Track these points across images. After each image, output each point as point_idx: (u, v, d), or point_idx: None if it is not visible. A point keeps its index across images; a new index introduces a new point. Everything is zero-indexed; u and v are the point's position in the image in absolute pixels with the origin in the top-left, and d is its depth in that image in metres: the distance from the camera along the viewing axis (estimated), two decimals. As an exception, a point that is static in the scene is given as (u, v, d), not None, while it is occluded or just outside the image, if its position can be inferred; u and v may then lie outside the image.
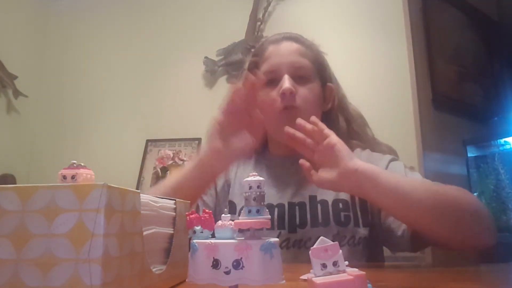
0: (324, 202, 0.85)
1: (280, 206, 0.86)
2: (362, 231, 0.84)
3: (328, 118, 0.95)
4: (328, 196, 0.86)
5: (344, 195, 0.86)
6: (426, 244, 0.81)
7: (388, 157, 0.90)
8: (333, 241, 0.78)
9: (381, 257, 0.90)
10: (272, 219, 0.82)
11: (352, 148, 0.90)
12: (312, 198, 0.86)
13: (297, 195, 0.88)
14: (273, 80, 0.90)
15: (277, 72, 0.90)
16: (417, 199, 0.68)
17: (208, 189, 0.92)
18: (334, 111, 0.97)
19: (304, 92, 0.89)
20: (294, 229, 0.83)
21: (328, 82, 0.97)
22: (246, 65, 1.00)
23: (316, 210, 0.84)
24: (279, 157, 0.96)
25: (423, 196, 0.69)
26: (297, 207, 0.86)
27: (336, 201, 0.85)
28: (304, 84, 0.90)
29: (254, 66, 0.95)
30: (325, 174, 0.74)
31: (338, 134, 0.89)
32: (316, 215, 0.84)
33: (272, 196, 0.88)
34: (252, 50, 1.93)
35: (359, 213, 0.85)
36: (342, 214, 0.84)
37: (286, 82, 0.87)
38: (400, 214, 0.73)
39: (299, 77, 0.89)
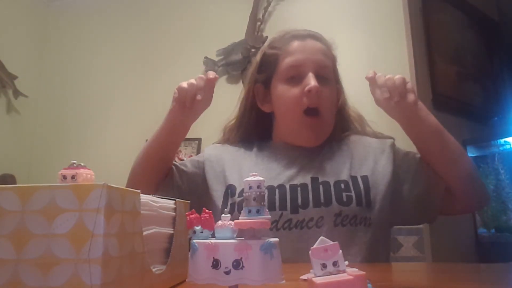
0: (326, 183, 0.85)
1: (281, 187, 0.86)
2: (364, 212, 0.84)
3: (336, 116, 0.97)
4: (330, 177, 0.86)
5: (345, 176, 0.87)
6: (440, 209, 0.89)
7: (390, 141, 0.95)
8: (334, 221, 0.82)
9: (382, 257, 0.90)
10: (273, 200, 0.84)
11: (343, 137, 0.97)
12: (314, 180, 0.86)
13: (299, 177, 0.88)
14: (295, 77, 0.89)
15: (301, 68, 0.89)
16: (452, 142, 0.86)
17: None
18: (340, 112, 0.98)
19: (326, 93, 0.89)
20: (296, 209, 0.83)
21: (337, 83, 0.98)
22: (258, 58, 0.98)
23: (318, 191, 0.84)
24: (282, 145, 0.96)
25: (455, 144, 0.86)
26: (299, 188, 0.85)
27: (338, 182, 0.85)
28: (326, 84, 0.90)
29: (274, 59, 0.93)
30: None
31: (336, 131, 0.96)
32: (318, 196, 0.84)
33: (273, 178, 0.88)
34: (253, 50, 1.95)
35: (363, 192, 0.85)
36: (344, 194, 0.84)
37: (313, 80, 0.86)
38: (438, 151, 0.86)
39: (321, 77, 0.89)
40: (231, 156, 0.96)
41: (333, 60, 0.95)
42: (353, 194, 0.84)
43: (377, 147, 0.93)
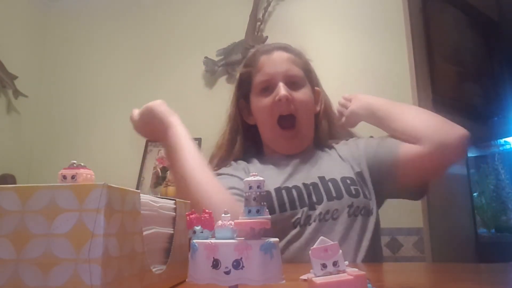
0: (333, 180, 0.91)
1: (297, 187, 0.91)
2: (371, 203, 0.91)
3: (316, 120, 1.03)
4: (335, 175, 0.92)
5: (348, 174, 0.93)
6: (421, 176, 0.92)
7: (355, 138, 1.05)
8: (348, 211, 0.88)
9: (379, 257, 0.94)
10: (292, 199, 0.89)
11: (330, 144, 1.04)
12: (321, 178, 0.92)
13: (309, 178, 0.93)
14: (267, 89, 0.96)
15: (271, 80, 0.96)
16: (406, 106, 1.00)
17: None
18: (321, 113, 1.04)
19: (299, 96, 0.95)
20: (313, 206, 0.88)
21: (315, 86, 1.04)
22: (237, 76, 1.06)
23: (328, 187, 0.90)
24: (276, 155, 1.01)
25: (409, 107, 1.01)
26: (311, 187, 0.91)
27: (344, 178, 0.92)
28: (298, 89, 0.96)
29: (247, 77, 1.01)
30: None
31: (320, 135, 1.04)
32: (330, 191, 0.90)
33: (285, 180, 0.93)
34: (251, 50, 1.94)
35: (369, 185, 0.93)
36: (352, 187, 0.90)
37: (282, 89, 0.93)
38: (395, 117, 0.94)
39: (292, 83, 0.96)
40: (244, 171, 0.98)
41: (303, 65, 1.01)
42: (359, 187, 0.91)
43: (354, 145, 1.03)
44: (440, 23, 1.98)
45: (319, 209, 0.88)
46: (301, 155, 0.99)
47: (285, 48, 1.01)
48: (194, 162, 0.81)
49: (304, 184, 0.91)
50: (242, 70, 1.05)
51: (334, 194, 0.89)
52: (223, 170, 0.97)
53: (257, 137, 1.04)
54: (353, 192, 0.90)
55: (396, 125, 0.93)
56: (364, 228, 0.88)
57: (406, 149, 0.89)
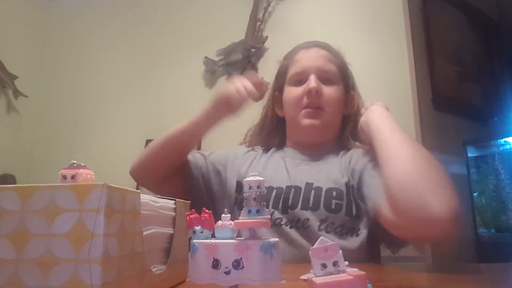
0: (318, 189, 0.89)
1: (279, 189, 0.91)
2: (360, 223, 0.84)
3: (346, 122, 1.02)
4: (324, 184, 0.89)
5: (340, 185, 0.88)
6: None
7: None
8: (319, 226, 0.83)
9: (377, 257, 0.92)
10: (268, 200, 0.87)
11: (350, 147, 0.99)
12: (308, 185, 0.90)
13: (296, 180, 0.92)
14: (300, 81, 0.98)
15: (304, 74, 0.97)
16: (405, 147, 0.74)
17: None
18: (353, 117, 1.02)
19: (329, 92, 0.96)
20: (286, 210, 0.88)
21: (351, 90, 1.04)
22: (278, 68, 1.09)
23: (309, 195, 0.88)
24: (291, 149, 1.02)
25: (410, 147, 0.74)
26: (292, 190, 0.90)
27: (330, 189, 0.88)
28: (330, 85, 0.97)
29: (284, 69, 1.04)
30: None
31: (344, 137, 1.01)
32: (308, 199, 0.87)
33: (273, 179, 0.93)
34: (253, 50, 1.95)
35: (355, 202, 0.85)
36: (334, 201, 0.86)
37: (313, 81, 0.94)
38: (385, 155, 0.75)
39: (325, 79, 0.97)
40: (249, 162, 1.02)
41: (339, 64, 1.02)
42: (344, 203, 0.85)
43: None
44: (440, 23, 1.98)
45: (291, 214, 0.86)
46: (315, 151, 0.98)
47: (324, 46, 1.03)
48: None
49: (287, 186, 0.90)
50: (281, 63, 1.08)
51: (310, 204, 0.86)
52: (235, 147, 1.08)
53: (284, 131, 1.06)
54: (333, 207, 0.85)
55: (382, 165, 0.75)
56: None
57: (386, 208, 0.72)
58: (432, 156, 0.72)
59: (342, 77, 1.01)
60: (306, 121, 0.96)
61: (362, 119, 0.89)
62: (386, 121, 0.83)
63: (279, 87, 1.06)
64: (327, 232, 0.83)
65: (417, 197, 0.64)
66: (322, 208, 0.85)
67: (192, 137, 0.98)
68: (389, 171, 0.71)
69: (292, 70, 1.00)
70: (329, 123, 0.98)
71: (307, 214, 0.85)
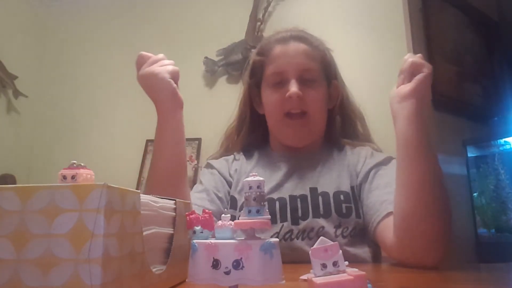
0: (325, 194, 0.86)
1: (282, 199, 0.87)
2: (363, 224, 0.84)
3: (333, 116, 0.98)
4: (329, 188, 0.87)
5: (345, 187, 0.86)
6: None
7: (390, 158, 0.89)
8: (335, 232, 0.81)
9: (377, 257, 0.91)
10: (274, 213, 0.83)
11: (341, 145, 0.96)
12: (313, 190, 0.87)
13: (298, 188, 0.88)
14: (279, 83, 0.91)
15: (284, 74, 0.91)
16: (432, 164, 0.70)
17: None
18: (336, 108, 0.98)
19: (311, 94, 0.90)
20: (297, 221, 0.84)
21: (333, 79, 0.98)
22: (250, 63, 1.00)
23: (317, 202, 0.85)
24: (280, 152, 0.97)
25: (430, 183, 0.69)
26: (298, 200, 0.86)
27: (337, 193, 0.86)
28: (311, 86, 0.91)
29: (260, 66, 0.96)
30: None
31: (332, 131, 0.97)
32: (317, 207, 0.84)
33: (272, 189, 0.89)
34: (253, 50, 1.94)
35: (361, 203, 0.86)
36: (344, 205, 0.84)
37: (293, 86, 0.88)
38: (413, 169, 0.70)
39: (306, 80, 0.90)
40: (237, 166, 0.96)
41: (320, 58, 0.94)
42: (352, 205, 0.84)
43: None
44: (440, 23, 1.98)
45: (303, 224, 0.83)
46: (305, 152, 0.94)
47: (302, 38, 0.94)
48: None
49: (290, 196, 0.87)
50: (255, 58, 0.98)
51: (321, 211, 0.83)
52: (211, 161, 0.98)
53: (264, 126, 0.99)
54: (344, 211, 0.83)
55: (398, 185, 0.71)
56: (351, 252, 0.80)
57: (384, 226, 0.76)
58: (447, 194, 0.70)
59: (324, 71, 0.95)
60: (289, 126, 0.91)
61: (392, 112, 0.75)
62: (416, 133, 0.70)
63: (256, 83, 0.98)
64: (344, 237, 0.81)
65: (418, 243, 0.68)
66: (334, 214, 0.83)
67: (165, 140, 0.80)
68: (403, 200, 0.70)
69: (270, 69, 0.92)
70: (314, 125, 0.93)
71: (320, 222, 0.82)
